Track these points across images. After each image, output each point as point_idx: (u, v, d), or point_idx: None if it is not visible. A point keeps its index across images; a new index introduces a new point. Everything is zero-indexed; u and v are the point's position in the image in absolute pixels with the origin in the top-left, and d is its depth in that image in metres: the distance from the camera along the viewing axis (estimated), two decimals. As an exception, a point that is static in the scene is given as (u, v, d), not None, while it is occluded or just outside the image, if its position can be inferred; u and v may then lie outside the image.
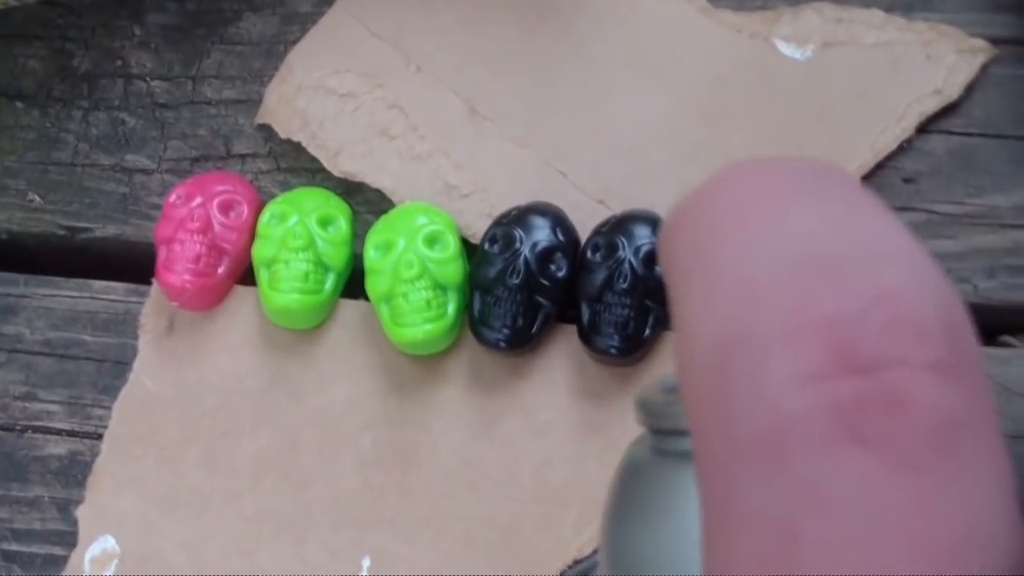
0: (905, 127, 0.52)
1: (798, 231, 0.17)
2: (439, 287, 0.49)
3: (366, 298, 0.50)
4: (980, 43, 0.53)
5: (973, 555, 0.16)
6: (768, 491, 0.16)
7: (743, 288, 0.17)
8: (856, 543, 0.15)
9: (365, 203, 0.53)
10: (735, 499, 0.16)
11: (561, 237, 0.49)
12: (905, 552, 0.15)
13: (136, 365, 0.52)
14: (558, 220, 0.50)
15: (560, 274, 0.49)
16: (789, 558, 0.16)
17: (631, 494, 0.29)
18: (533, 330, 0.49)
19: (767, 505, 0.16)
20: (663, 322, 0.48)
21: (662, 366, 0.49)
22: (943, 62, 0.52)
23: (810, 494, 0.16)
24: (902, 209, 0.51)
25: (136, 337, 0.52)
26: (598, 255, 0.48)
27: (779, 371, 0.16)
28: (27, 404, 0.52)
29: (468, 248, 0.51)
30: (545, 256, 0.49)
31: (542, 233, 0.49)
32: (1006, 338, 0.50)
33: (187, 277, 0.50)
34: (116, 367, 0.52)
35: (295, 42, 0.56)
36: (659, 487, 0.28)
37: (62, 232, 0.55)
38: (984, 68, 0.53)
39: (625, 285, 0.47)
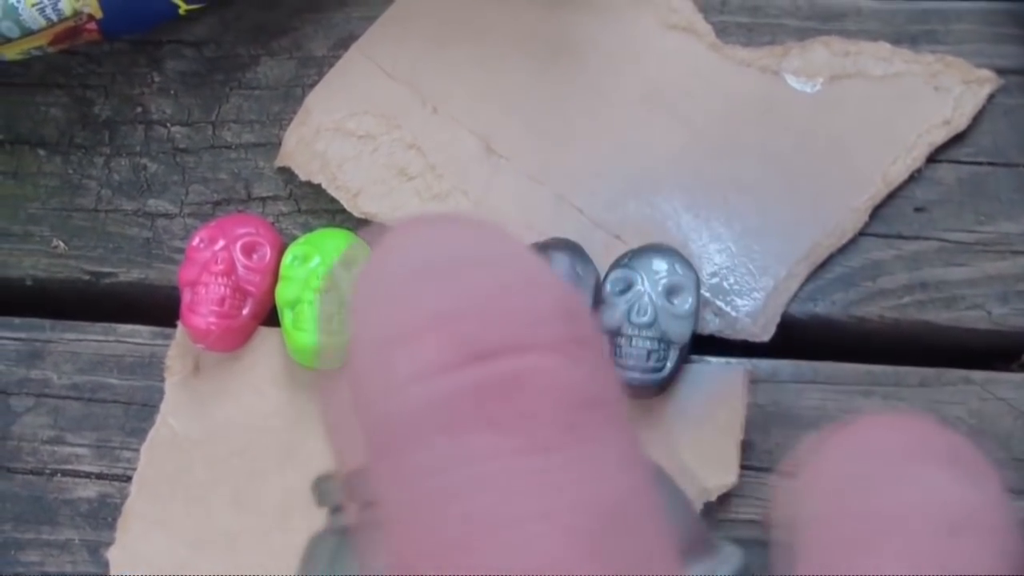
0: (915, 157, 0.53)
1: (421, 249, 0.18)
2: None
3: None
4: (986, 74, 0.54)
5: (610, 526, 0.16)
6: (409, 478, 0.16)
7: (379, 298, 0.18)
8: (496, 522, 0.16)
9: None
10: (385, 492, 0.17)
11: (580, 272, 0.50)
12: (543, 527, 0.16)
13: (163, 407, 0.52)
14: (576, 255, 0.50)
15: (580, 309, 0.50)
16: (436, 538, 0.16)
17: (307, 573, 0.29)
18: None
19: (409, 492, 0.16)
20: (684, 355, 0.49)
21: (684, 398, 0.50)
22: (950, 93, 0.53)
23: (445, 481, 0.16)
24: (914, 238, 0.52)
25: (162, 379, 0.53)
26: (617, 289, 0.49)
27: (403, 367, 0.17)
28: (56, 448, 0.53)
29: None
30: (565, 292, 0.49)
31: (561, 269, 0.50)
32: None
33: (212, 319, 0.51)
34: (143, 409, 0.53)
35: (312, 85, 0.57)
36: (335, 563, 0.28)
37: (87, 277, 0.56)
38: (991, 98, 0.54)
39: (645, 318, 0.48)
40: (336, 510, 0.30)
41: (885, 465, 0.20)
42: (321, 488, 0.29)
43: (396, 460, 0.17)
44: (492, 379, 0.17)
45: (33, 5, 0.52)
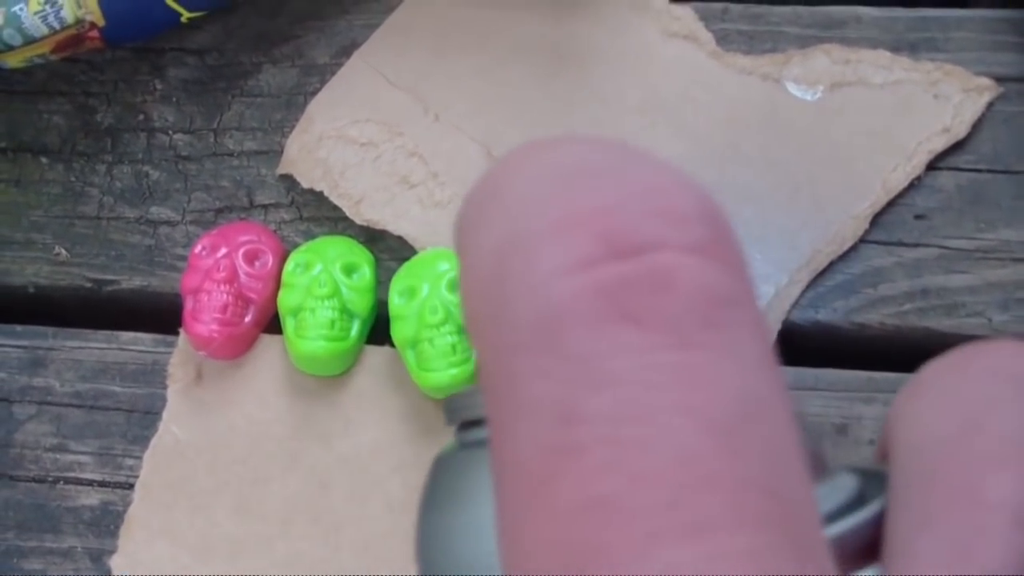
0: (915, 164, 0.53)
1: (566, 156, 0.18)
2: (464, 331, 0.50)
3: (391, 344, 0.51)
4: (985, 81, 0.54)
5: (747, 421, 0.16)
6: (545, 377, 0.16)
7: (518, 201, 0.18)
8: (633, 416, 0.16)
9: (388, 250, 0.54)
10: (515, 391, 0.17)
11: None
12: (681, 420, 0.16)
13: (165, 415, 0.52)
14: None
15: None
16: (570, 439, 0.16)
17: (438, 488, 0.30)
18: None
19: (545, 391, 0.16)
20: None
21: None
22: (950, 101, 0.54)
23: (585, 374, 0.16)
24: (915, 245, 0.52)
25: (165, 387, 0.53)
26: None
27: (548, 261, 0.17)
28: (58, 456, 0.53)
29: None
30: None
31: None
32: None
33: (214, 327, 0.51)
34: (146, 417, 0.53)
35: (314, 93, 0.57)
36: (462, 476, 0.28)
37: (89, 285, 0.56)
38: (990, 105, 0.54)
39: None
40: (464, 427, 0.30)
41: (1003, 390, 0.20)
42: (451, 406, 0.30)
43: (537, 354, 0.17)
44: (636, 275, 0.17)
45: (36, 13, 0.52)
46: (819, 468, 0.24)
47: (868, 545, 0.21)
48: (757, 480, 0.16)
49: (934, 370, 0.22)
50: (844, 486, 0.24)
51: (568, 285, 0.17)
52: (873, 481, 0.22)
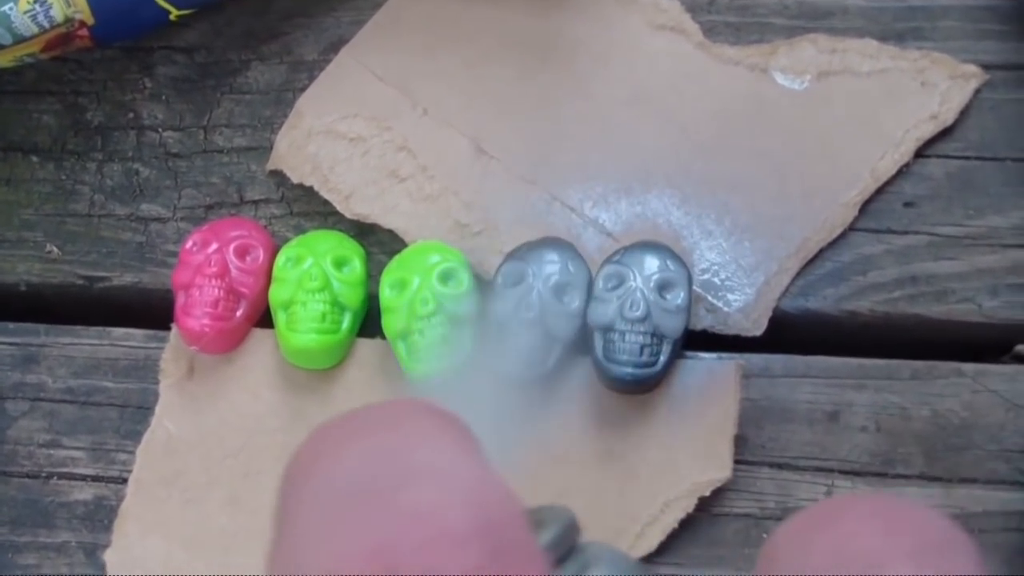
0: (904, 152, 0.53)
1: (348, 470, 0.19)
2: (455, 322, 0.50)
3: (383, 336, 0.51)
4: (972, 68, 0.54)
5: None
6: None
7: (303, 531, 0.19)
8: None
9: (378, 244, 0.55)
10: None
11: (572, 270, 0.50)
12: None
13: (158, 409, 0.53)
14: (568, 254, 0.51)
15: (573, 306, 0.50)
16: None
17: None
18: (548, 363, 0.50)
19: None
20: (677, 349, 0.49)
21: (677, 394, 0.50)
22: (937, 88, 0.54)
23: None
24: (904, 233, 0.53)
25: (157, 382, 0.53)
26: (609, 286, 0.49)
27: (319, 566, 0.18)
28: (51, 451, 0.53)
29: (481, 285, 0.52)
30: (558, 289, 0.50)
31: (553, 267, 0.50)
32: (1022, 348, 0.51)
33: (206, 321, 0.51)
34: (138, 412, 0.53)
35: (303, 89, 0.57)
36: None
37: (80, 282, 0.56)
38: (977, 93, 0.54)
39: (638, 313, 0.48)
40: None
41: (857, 565, 0.21)
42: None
43: None
44: None
45: (25, 12, 0.52)
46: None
47: None
48: None
49: (785, 534, 0.22)
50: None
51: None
52: None
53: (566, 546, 0.26)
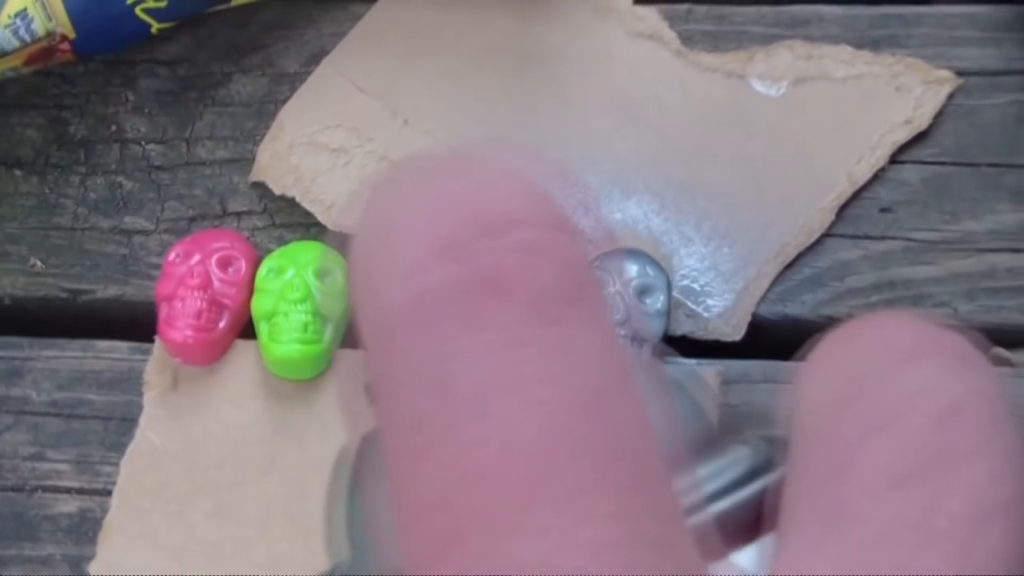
0: (879, 156, 0.54)
1: (433, 162, 0.19)
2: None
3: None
4: (946, 73, 0.55)
5: (610, 391, 0.17)
6: (421, 354, 0.17)
7: (389, 197, 0.19)
8: (505, 387, 0.16)
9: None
10: (399, 367, 0.18)
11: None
12: (549, 392, 0.16)
13: (142, 421, 0.53)
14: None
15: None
16: (444, 411, 0.17)
17: (361, 467, 0.30)
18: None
19: (422, 366, 0.17)
20: (658, 354, 0.50)
21: (656, 399, 0.50)
22: (912, 93, 0.54)
23: (426, 377, 0.17)
24: (881, 238, 0.53)
25: (141, 394, 0.53)
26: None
27: (390, 269, 0.18)
28: (36, 464, 0.53)
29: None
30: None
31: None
32: (999, 351, 0.52)
33: (189, 333, 0.51)
34: (122, 424, 0.53)
35: (285, 101, 0.57)
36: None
37: (64, 295, 0.57)
38: (951, 98, 0.55)
39: (618, 317, 0.49)
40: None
41: (884, 361, 0.21)
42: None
43: (382, 359, 0.17)
44: (469, 275, 0.17)
45: (6, 26, 0.53)
46: (712, 444, 0.25)
47: (757, 519, 0.21)
48: (623, 450, 0.17)
49: (830, 340, 0.22)
50: (738, 460, 0.25)
51: (404, 290, 0.17)
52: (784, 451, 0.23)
53: None
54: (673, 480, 0.18)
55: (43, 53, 0.55)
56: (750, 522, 0.21)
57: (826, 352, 0.22)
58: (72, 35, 0.54)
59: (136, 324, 0.55)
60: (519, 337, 0.17)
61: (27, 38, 0.53)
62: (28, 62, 0.55)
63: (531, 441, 0.16)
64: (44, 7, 0.53)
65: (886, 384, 0.20)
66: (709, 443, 0.25)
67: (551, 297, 0.17)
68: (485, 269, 0.17)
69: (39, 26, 0.53)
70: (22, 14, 0.53)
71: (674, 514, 0.17)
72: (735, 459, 0.25)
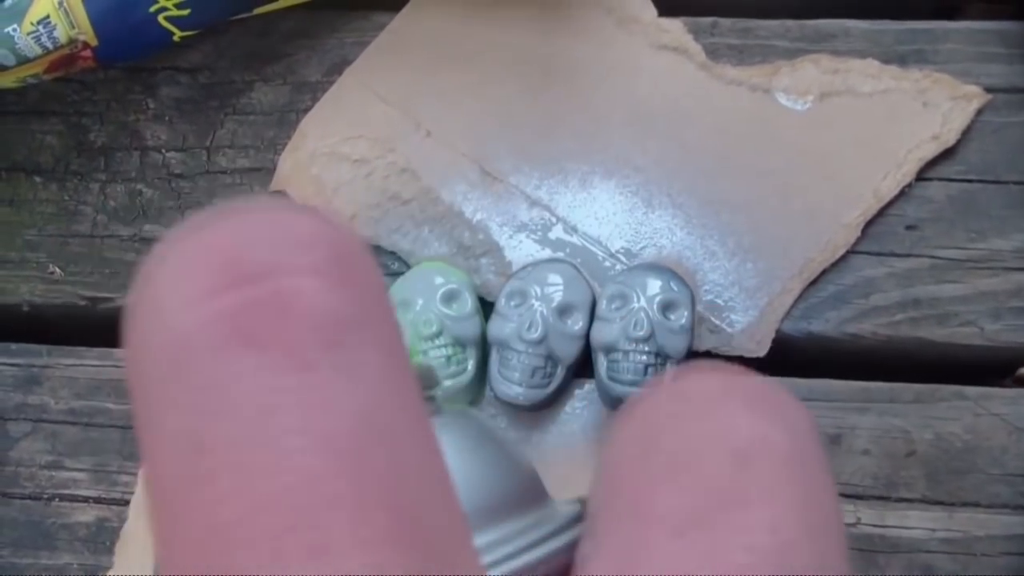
0: (906, 172, 0.53)
1: (204, 218, 0.19)
2: (459, 343, 0.50)
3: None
4: (973, 89, 0.54)
5: (370, 440, 0.17)
6: (176, 407, 0.17)
7: (157, 254, 0.19)
8: (256, 440, 0.16)
9: (381, 266, 0.55)
10: (154, 422, 0.17)
11: (576, 291, 0.50)
12: (302, 441, 0.16)
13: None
14: (572, 275, 0.51)
15: (577, 327, 0.50)
16: (199, 467, 0.16)
17: None
18: (551, 384, 0.50)
19: (178, 421, 0.17)
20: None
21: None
22: (939, 108, 0.54)
23: (209, 401, 0.16)
24: (906, 256, 0.53)
25: (159, 404, 0.53)
26: (613, 306, 0.49)
27: (174, 295, 0.17)
28: (53, 473, 0.53)
29: (484, 305, 0.52)
30: (561, 310, 0.50)
31: (557, 288, 0.50)
32: None
33: (208, 343, 0.51)
34: (141, 434, 0.53)
35: (306, 111, 0.57)
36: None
37: (83, 303, 0.56)
38: (979, 115, 0.54)
39: (642, 333, 0.48)
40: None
41: (682, 409, 0.21)
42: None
43: (168, 385, 0.17)
44: (257, 300, 0.17)
45: (29, 33, 0.52)
46: (532, 498, 0.25)
47: (567, 570, 0.21)
48: (382, 500, 0.16)
49: (642, 392, 0.23)
50: (554, 513, 0.25)
51: (192, 315, 0.17)
52: None
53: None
54: (461, 522, 0.18)
55: (65, 60, 0.54)
56: (561, 573, 0.22)
57: (634, 403, 0.22)
58: (95, 43, 0.54)
59: (155, 333, 0.55)
60: (305, 361, 0.17)
61: (49, 45, 0.53)
62: (49, 69, 0.55)
63: (312, 473, 0.16)
64: (67, 14, 0.52)
65: (682, 431, 0.21)
66: (526, 497, 0.25)
67: (339, 320, 0.17)
68: (275, 290, 0.17)
69: (61, 33, 0.53)
70: (45, 21, 0.52)
71: (455, 563, 0.17)
72: (551, 512, 0.25)
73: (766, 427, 0.21)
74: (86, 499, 0.53)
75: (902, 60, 0.55)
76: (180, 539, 0.16)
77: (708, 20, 0.57)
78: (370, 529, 0.16)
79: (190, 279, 0.17)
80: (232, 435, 0.16)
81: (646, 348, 0.49)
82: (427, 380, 0.28)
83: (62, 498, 0.53)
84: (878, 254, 0.53)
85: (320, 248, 0.18)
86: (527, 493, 0.26)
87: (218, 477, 0.16)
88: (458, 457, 0.25)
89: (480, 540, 0.23)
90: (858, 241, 0.53)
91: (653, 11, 0.57)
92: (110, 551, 0.51)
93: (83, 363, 0.55)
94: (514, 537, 0.23)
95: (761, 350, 0.51)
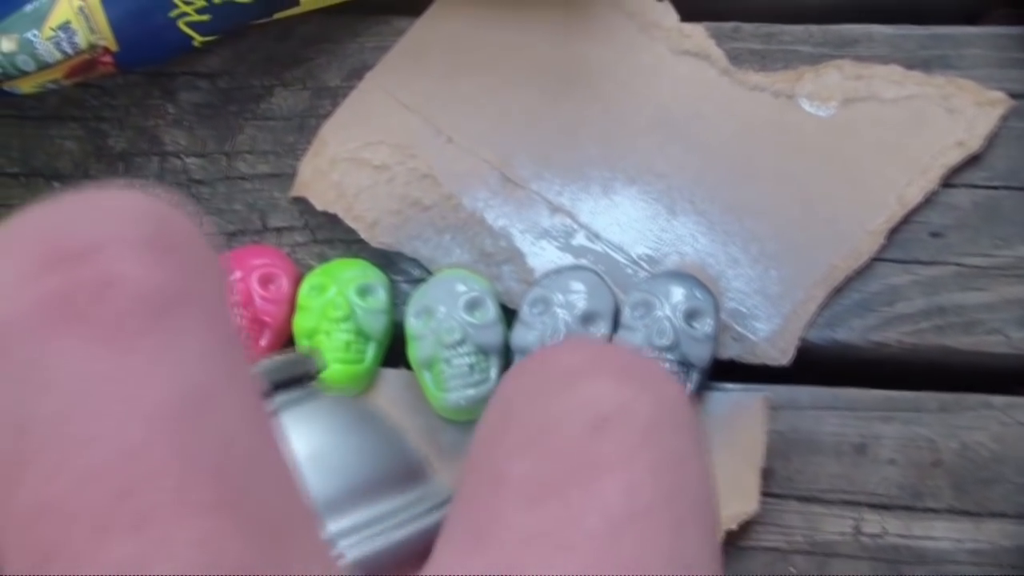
0: (930, 179, 0.53)
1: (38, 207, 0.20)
2: (482, 352, 0.50)
3: (407, 366, 0.51)
4: (999, 95, 0.54)
5: (193, 411, 0.17)
6: (1, 387, 0.17)
7: None
8: (78, 414, 0.16)
9: (402, 272, 0.54)
10: None
11: (599, 299, 0.50)
12: (122, 415, 0.16)
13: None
14: (595, 282, 0.50)
15: (600, 335, 0.50)
16: (23, 446, 0.16)
17: None
18: (574, 393, 0.49)
19: (3, 401, 0.17)
20: (705, 379, 0.49)
21: (705, 422, 0.50)
22: (963, 114, 0.54)
23: (31, 380, 0.17)
24: (931, 263, 0.52)
25: (180, 411, 0.53)
26: (637, 314, 0.49)
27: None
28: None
29: (507, 313, 0.51)
30: (585, 318, 0.49)
31: (580, 296, 0.50)
32: None
33: (229, 350, 0.51)
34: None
35: (326, 116, 0.57)
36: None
37: (103, 309, 0.56)
38: (1004, 121, 0.54)
39: (666, 342, 0.48)
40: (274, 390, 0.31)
41: (544, 381, 0.22)
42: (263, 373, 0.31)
43: None
44: (79, 280, 0.17)
45: (49, 39, 0.52)
46: (413, 473, 0.26)
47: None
48: (207, 469, 0.16)
49: (512, 368, 0.24)
50: (442, 491, 0.26)
51: (15, 299, 0.17)
52: None
53: (288, 375, 0.28)
54: (295, 494, 0.18)
55: (85, 66, 0.54)
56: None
57: (504, 380, 0.23)
58: (115, 48, 0.54)
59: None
60: (126, 338, 0.17)
61: (69, 51, 0.53)
62: (69, 75, 0.54)
63: (135, 445, 0.16)
64: (87, 19, 0.52)
65: (542, 403, 0.21)
66: (408, 474, 0.26)
67: (161, 296, 0.17)
68: (96, 268, 0.17)
69: (82, 39, 0.53)
70: (65, 26, 0.52)
71: (283, 530, 0.17)
72: (435, 490, 0.25)
73: (628, 396, 0.21)
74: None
75: (926, 65, 0.55)
76: (12, 521, 0.16)
77: (730, 25, 0.57)
78: (196, 498, 0.16)
79: (13, 264, 0.18)
80: (54, 411, 0.16)
81: (670, 356, 0.48)
82: (310, 365, 0.29)
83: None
84: (903, 261, 0.52)
85: (143, 224, 0.18)
86: (409, 472, 0.27)
87: (42, 454, 0.16)
88: (335, 438, 0.27)
89: (358, 516, 0.25)
90: (882, 248, 0.52)
91: (675, 16, 0.57)
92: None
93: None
94: (395, 512, 0.25)
95: (785, 358, 0.51)
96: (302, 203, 0.56)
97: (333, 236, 0.55)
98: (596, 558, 0.19)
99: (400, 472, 0.27)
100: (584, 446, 0.20)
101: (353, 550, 0.24)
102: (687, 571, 0.20)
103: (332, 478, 0.25)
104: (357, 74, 0.58)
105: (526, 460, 0.21)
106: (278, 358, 0.28)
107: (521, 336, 0.50)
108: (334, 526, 0.24)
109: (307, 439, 0.26)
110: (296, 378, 0.28)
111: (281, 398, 0.28)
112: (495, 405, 0.22)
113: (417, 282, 0.53)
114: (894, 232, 0.53)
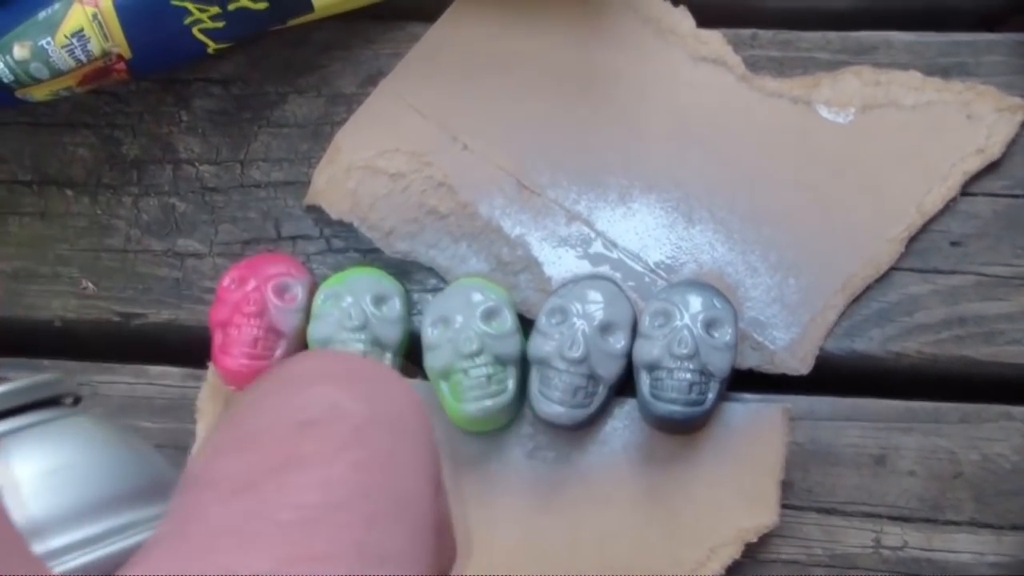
0: (950, 186, 0.52)
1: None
2: (499, 362, 0.49)
3: (423, 376, 0.51)
4: (1018, 101, 0.53)
5: None
6: None
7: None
8: None
9: (418, 281, 0.54)
10: None
11: (617, 309, 0.50)
12: None
13: (194, 451, 0.52)
14: (613, 292, 0.50)
15: (619, 346, 0.49)
16: None
17: None
18: (592, 404, 0.49)
19: None
20: (724, 389, 0.49)
21: (723, 437, 0.49)
22: (983, 121, 0.53)
23: None
24: (951, 272, 0.52)
25: (194, 422, 0.52)
26: (656, 323, 0.49)
27: None
28: (88, 492, 0.52)
29: (524, 323, 0.51)
30: (603, 328, 0.49)
31: (598, 306, 0.50)
32: None
33: (244, 361, 0.51)
34: (176, 452, 0.53)
35: (341, 123, 0.56)
36: None
37: (116, 319, 0.56)
38: (1023, 127, 0.53)
39: (686, 350, 0.47)
40: None
41: (281, 386, 0.24)
42: None
43: None
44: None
45: (63, 46, 0.52)
46: (164, 488, 0.27)
47: None
48: None
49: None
50: None
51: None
52: None
53: (30, 398, 0.29)
54: None
55: (98, 73, 0.54)
56: None
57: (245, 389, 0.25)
58: (128, 55, 0.53)
59: (189, 349, 0.54)
60: None
61: (83, 58, 0.52)
62: (83, 82, 0.54)
63: None
64: (101, 27, 0.52)
65: (261, 407, 0.23)
66: (155, 489, 0.28)
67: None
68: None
69: (95, 46, 0.52)
70: (79, 34, 0.52)
71: None
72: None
73: (343, 399, 0.23)
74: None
75: (945, 72, 0.55)
76: None
77: (748, 32, 0.56)
78: None
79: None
80: None
81: (690, 366, 0.48)
82: (57, 387, 0.30)
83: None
84: (922, 271, 0.52)
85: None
86: (156, 488, 0.28)
87: None
88: (83, 454, 0.28)
89: (98, 527, 0.26)
90: (902, 257, 0.52)
91: (692, 22, 0.56)
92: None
93: (117, 380, 0.54)
94: (135, 524, 0.26)
95: (804, 368, 0.50)
96: (316, 211, 0.55)
97: (347, 244, 0.55)
98: (284, 549, 0.20)
99: (147, 487, 0.28)
100: (288, 444, 0.22)
101: (77, 560, 0.26)
102: (380, 564, 0.21)
103: (74, 491, 0.27)
104: (372, 81, 0.57)
105: (232, 459, 0.22)
106: (20, 382, 0.29)
107: (538, 346, 0.49)
108: (68, 538, 0.26)
109: (52, 455, 0.28)
110: (43, 401, 0.30)
111: (28, 418, 0.29)
112: (227, 412, 0.24)
113: (433, 291, 0.52)
114: (913, 241, 0.52)
